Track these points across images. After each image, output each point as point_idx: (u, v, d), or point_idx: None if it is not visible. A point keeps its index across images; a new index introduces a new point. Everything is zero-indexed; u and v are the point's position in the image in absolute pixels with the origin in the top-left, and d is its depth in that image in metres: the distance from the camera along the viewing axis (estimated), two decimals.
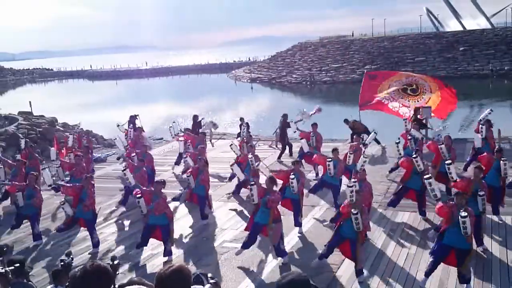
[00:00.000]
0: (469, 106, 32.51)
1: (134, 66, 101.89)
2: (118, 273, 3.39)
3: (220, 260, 8.76)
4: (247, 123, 15.74)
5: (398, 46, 53.67)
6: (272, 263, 8.47)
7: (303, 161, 11.78)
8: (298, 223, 9.67)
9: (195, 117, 17.73)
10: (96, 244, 9.40)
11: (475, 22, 63.46)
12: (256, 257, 8.78)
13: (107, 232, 10.48)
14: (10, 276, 5.30)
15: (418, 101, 16.21)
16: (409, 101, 16.31)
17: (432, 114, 15.81)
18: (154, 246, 9.64)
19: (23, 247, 9.93)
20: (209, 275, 3.33)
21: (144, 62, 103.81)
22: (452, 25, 65.73)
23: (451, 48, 49.95)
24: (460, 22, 64.40)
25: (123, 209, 11.72)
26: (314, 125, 13.73)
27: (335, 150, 10.66)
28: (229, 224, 10.49)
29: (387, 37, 59.06)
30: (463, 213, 6.71)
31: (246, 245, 8.48)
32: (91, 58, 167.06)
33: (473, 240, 7.39)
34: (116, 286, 3.07)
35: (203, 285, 3.12)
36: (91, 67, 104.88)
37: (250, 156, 11.58)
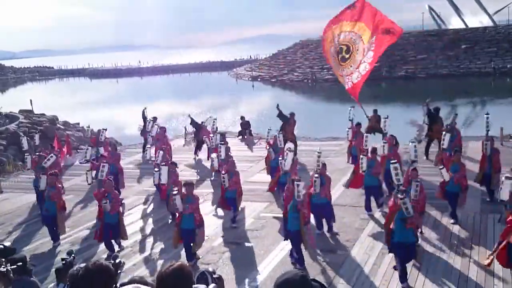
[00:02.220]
0: (471, 104, 32.46)
1: (135, 64, 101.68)
2: (120, 272, 3.37)
3: (222, 259, 8.75)
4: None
5: (400, 44, 53.36)
6: (273, 262, 8.46)
7: None
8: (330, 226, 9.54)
9: (242, 118, 18.31)
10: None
11: (477, 20, 63.24)
12: (257, 256, 8.77)
13: None
14: (11, 274, 5.29)
15: (349, 67, 14.20)
16: (342, 70, 14.47)
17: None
18: (155, 245, 9.65)
19: (25, 246, 9.95)
20: (210, 269, 3.31)
21: (145, 61, 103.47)
22: (454, 23, 65.53)
23: (453, 46, 49.77)
24: (462, 20, 64.19)
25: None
26: (358, 125, 13.49)
27: (374, 151, 10.49)
28: (230, 223, 10.43)
29: None
30: None
31: (298, 261, 8.13)
32: (92, 56, 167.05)
33: None
34: (118, 285, 3.04)
35: (208, 282, 3.09)
36: (89, 65, 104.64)
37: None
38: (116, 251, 8.95)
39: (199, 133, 16.55)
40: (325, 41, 15.03)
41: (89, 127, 17.16)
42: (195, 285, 2.95)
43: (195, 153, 16.55)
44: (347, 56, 14.16)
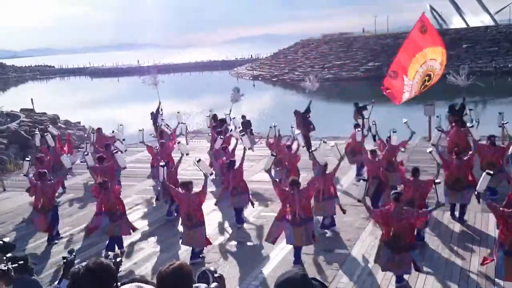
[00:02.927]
0: (472, 103, 32.39)
1: (135, 63, 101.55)
2: (120, 271, 3.38)
3: (222, 258, 8.76)
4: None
5: (401, 43, 53.08)
6: (275, 261, 8.46)
7: None
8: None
9: (243, 117, 18.33)
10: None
11: (478, 19, 63.16)
12: (257, 255, 8.77)
13: None
14: (12, 273, 5.29)
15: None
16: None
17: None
18: (156, 244, 9.65)
19: (26, 245, 9.96)
20: (211, 268, 3.31)
21: (145, 60, 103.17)
22: (456, 22, 65.48)
23: (455, 45, 49.70)
24: (464, 19, 64.15)
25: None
26: (357, 126, 13.29)
27: (374, 152, 10.49)
28: (231, 222, 10.43)
29: (390, 34, 58.89)
30: None
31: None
32: (92, 55, 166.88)
33: None
34: (119, 284, 3.04)
35: (209, 281, 3.09)
36: (90, 64, 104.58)
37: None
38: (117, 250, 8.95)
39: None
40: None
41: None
42: (196, 284, 2.95)
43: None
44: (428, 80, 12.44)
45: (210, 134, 15.13)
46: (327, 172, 9.35)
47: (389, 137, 11.20)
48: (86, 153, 11.60)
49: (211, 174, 9.97)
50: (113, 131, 15.08)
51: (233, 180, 10.07)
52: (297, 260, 8.10)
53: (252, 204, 10.48)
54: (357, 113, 15.24)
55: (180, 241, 8.81)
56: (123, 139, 14.98)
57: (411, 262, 7.12)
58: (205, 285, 3.02)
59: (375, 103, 15.29)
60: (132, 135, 20.09)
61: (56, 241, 10.00)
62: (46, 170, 10.53)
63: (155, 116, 17.87)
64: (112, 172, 11.62)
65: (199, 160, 8.97)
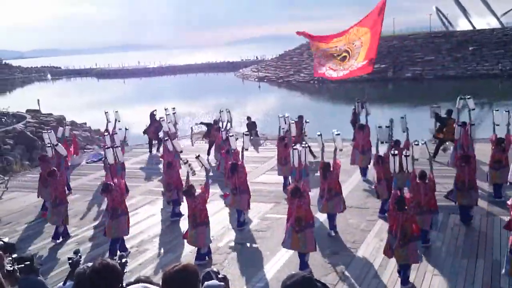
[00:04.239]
0: (478, 106, 32.26)
1: (141, 64, 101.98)
2: (126, 272, 3.39)
3: (227, 259, 8.76)
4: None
5: (407, 45, 53.31)
6: (279, 263, 8.44)
7: None
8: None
9: (248, 118, 18.52)
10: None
11: (484, 22, 62.97)
12: (262, 257, 8.76)
13: None
14: (18, 274, 5.31)
15: (344, 67, 14.33)
16: (336, 65, 14.51)
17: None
18: (161, 245, 9.67)
19: (32, 245, 10.01)
20: (215, 269, 3.33)
21: (147, 62, 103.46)
22: (462, 24, 65.30)
23: (461, 48, 49.54)
24: (470, 21, 63.93)
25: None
26: (361, 128, 13.23)
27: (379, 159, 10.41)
28: (236, 223, 10.43)
29: (396, 36, 58.71)
30: None
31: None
32: (98, 56, 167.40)
33: None
34: (124, 284, 3.06)
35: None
36: (96, 65, 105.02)
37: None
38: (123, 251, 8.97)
39: (209, 133, 16.61)
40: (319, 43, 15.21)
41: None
42: (208, 282, 2.97)
43: (208, 153, 16.40)
44: (348, 56, 14.48)
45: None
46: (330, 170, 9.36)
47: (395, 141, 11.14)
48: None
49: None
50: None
51: (237, 182, 10.04)
52: (303, 265, 7.98)
53: (248, 207, 10.32)
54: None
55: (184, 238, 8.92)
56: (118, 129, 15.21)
57: (416, 251, 7.33)
58: (219, 282, 3.03)
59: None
60: (138, 136, 20.18)
61: (60, 240, 10.03)
62: (54, 168, 10.58)
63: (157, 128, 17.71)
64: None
65: (198, 156, 9.25)
